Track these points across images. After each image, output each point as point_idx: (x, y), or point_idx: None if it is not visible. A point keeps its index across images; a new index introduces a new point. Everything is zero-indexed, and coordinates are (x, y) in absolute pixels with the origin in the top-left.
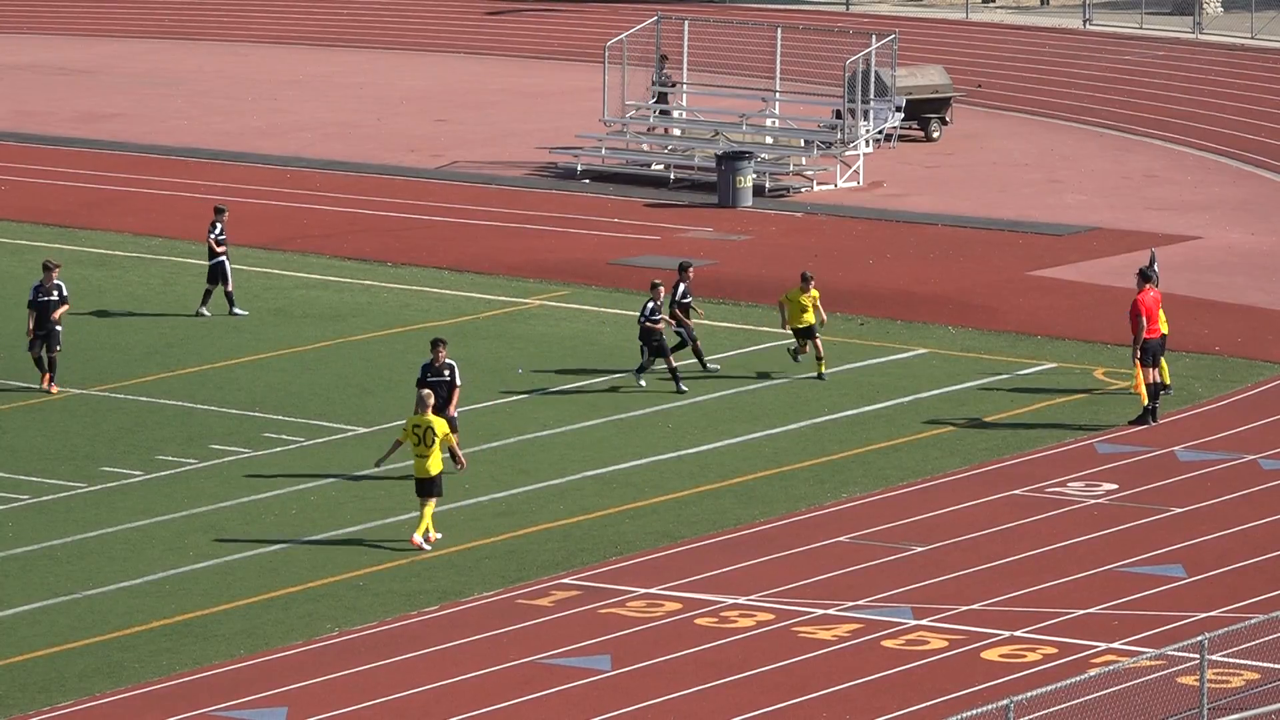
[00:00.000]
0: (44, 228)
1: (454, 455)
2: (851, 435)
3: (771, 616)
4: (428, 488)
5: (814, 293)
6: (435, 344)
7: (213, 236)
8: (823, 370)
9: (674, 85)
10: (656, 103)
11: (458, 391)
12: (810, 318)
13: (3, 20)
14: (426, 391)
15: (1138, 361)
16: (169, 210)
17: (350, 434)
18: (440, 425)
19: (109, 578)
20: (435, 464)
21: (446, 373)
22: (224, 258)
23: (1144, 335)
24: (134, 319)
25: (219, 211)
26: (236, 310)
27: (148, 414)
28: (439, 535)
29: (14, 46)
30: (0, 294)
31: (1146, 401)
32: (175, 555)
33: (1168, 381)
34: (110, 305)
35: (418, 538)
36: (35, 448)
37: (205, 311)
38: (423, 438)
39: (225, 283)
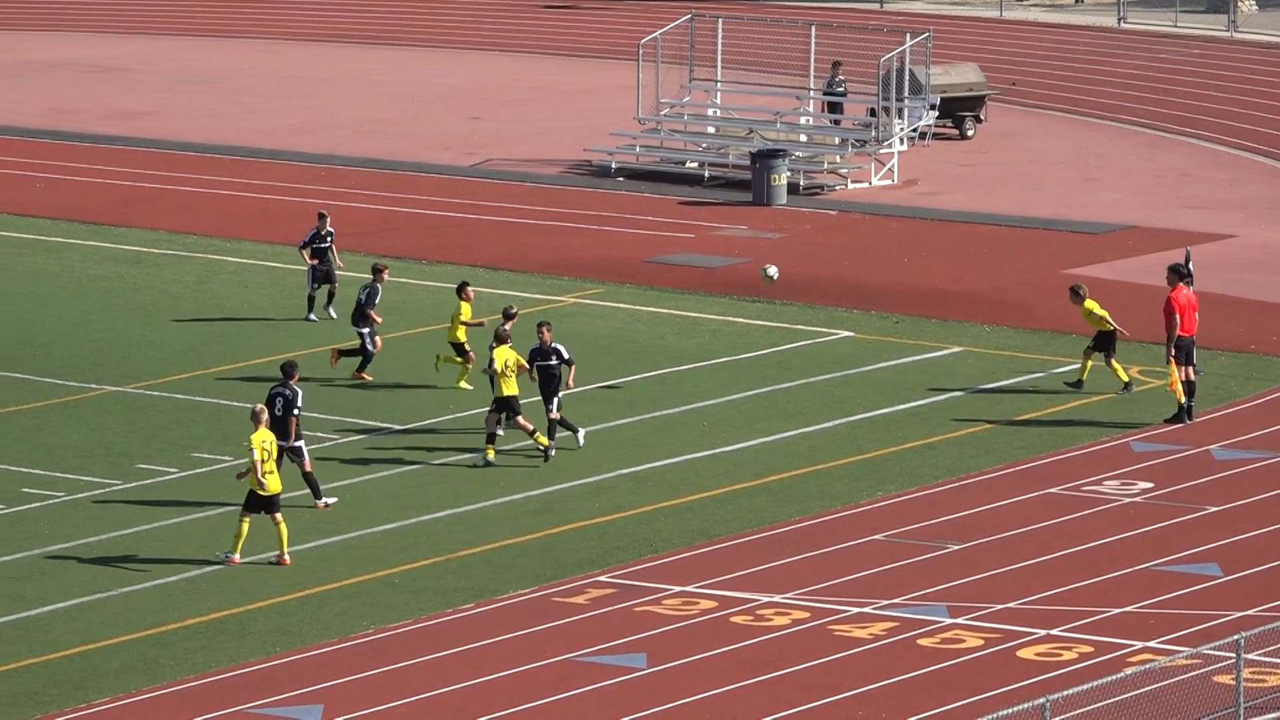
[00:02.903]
0: (79, 225)
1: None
2: (886, 434)
3: (807, 615)
4: (276, 503)
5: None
6: (289, 368)
7: (304, 245)
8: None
9: (846, 94)
10: (828, 112)
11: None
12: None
13: (38, 18)
14: (260, 407)
15: (1172, 360)
16: (203, 208)
17: (385, 432)
18: (272, 440)
19: (144, 575)
20: (278, 481)
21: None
22: (315, 263)
23: (1178, 333)
24: (169, 317)
25: (321, 217)
26: (327, 312)
27: (183, 411)
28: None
29: (49, 44)
30: (36, 291)
31: (1182, 399)
32: (210, 553)
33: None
34: (145, 303)
35: (288, 557)
36: (71, 445)
37: (314, 316)
38: (272, 453)
39: (332, 282)
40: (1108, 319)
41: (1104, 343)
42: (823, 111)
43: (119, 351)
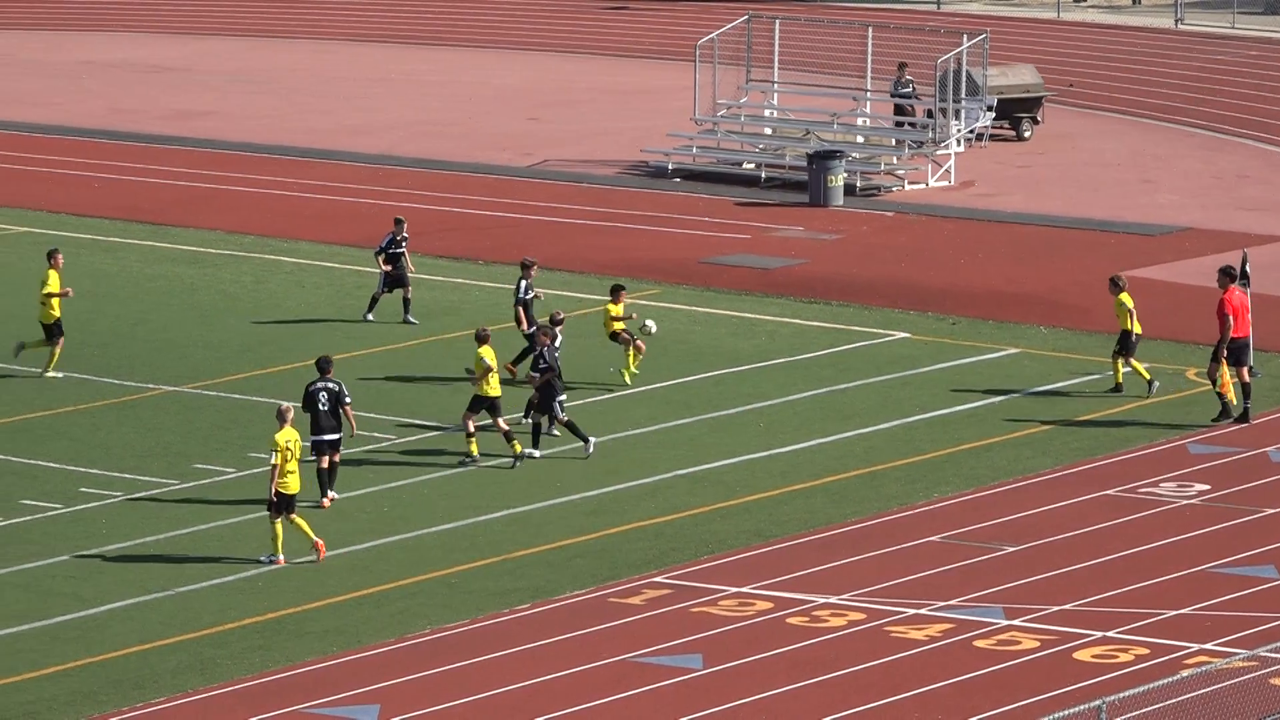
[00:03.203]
0: (136, 225)
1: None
2: (943, 435)
3: (863, 616)
4: (293, 503)
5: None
6: (324, 363)
7: (380, 251)
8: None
9: (918, 97)
10: (897, 114)
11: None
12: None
13: (97, 18)
14: (287, 405)
15: (1223, 360)
16: (260, 208)
17: (441, 431)
18: (297, 437)
19: (201, 575)
20: (298, 481)
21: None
22: (389, 268)
23: (1232, 334)
24: (226, 317)
25: (398, 223)
26: (407, 319)
27: (240, 411)
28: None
29: (108, 44)
30: (94, 291)
31: (1234, 401)
32: (267, 552)
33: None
34: (202, 303)
35: (282, 559)
36: (128, 444)
37: (370, 316)
38: (294, 453)
39: (404, 286)
40: (1131, 316)
41: (1122, 342)
42: (896, 114)
43: (176, 351)
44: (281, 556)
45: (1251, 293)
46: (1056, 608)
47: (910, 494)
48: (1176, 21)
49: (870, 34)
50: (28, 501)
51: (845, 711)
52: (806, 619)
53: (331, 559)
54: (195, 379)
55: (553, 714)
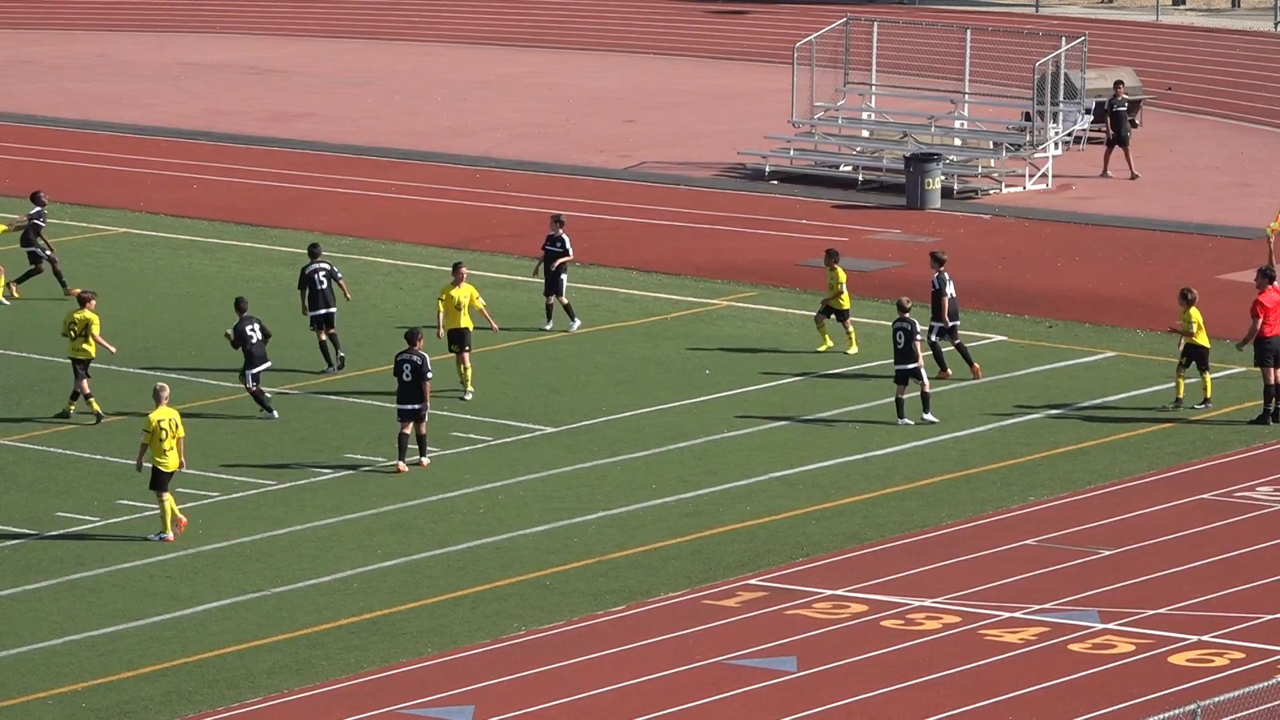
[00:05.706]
0: (235, 226)
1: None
2: (1039, 438)
3: (958, 619)
4: (167, 481)
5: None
6: (412, 335)
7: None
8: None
9: (1125, 107)
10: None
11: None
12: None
13: (196, 20)
14: (161, 385)
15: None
16: (359, 209)
17: (538, 433)
18: (177, 417)
19: (297, 575)
20: (176, 458)
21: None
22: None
23: (1260, 334)
24: None
25: (556, 221)
26: (571, 323)
27: (337, 412)
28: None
29: (207, 46)
30: (192, 292)
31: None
32: (363, 553)
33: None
34: (300, 304)
35: (170, 535)
36: (225, 445)
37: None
38: (171, 431)
39: (559, 293)
40: (1197, 331)
41: (1192, 354)
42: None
43: (274, 352)
44: (170, 534)
45: None
46: (1152, 611)
47: (1005, 497)
48: (1276, 24)
49: (969, 37)
50: (125, 501)
51: (939, 715)
52: (901, 622)
53: (427, 560)
54: (293, 380)
55: (647, 716)
